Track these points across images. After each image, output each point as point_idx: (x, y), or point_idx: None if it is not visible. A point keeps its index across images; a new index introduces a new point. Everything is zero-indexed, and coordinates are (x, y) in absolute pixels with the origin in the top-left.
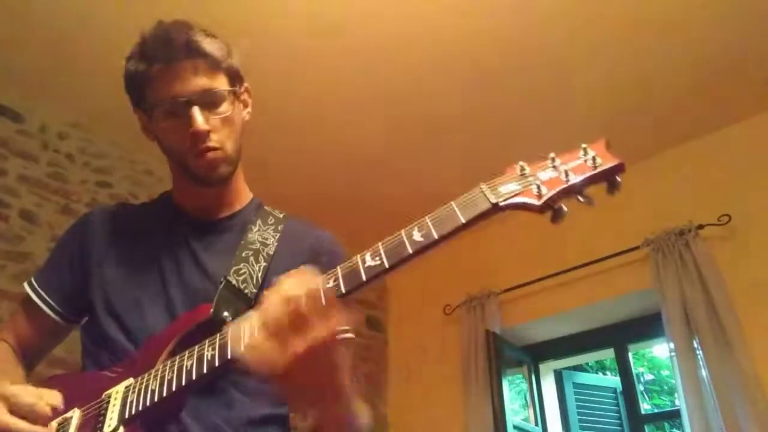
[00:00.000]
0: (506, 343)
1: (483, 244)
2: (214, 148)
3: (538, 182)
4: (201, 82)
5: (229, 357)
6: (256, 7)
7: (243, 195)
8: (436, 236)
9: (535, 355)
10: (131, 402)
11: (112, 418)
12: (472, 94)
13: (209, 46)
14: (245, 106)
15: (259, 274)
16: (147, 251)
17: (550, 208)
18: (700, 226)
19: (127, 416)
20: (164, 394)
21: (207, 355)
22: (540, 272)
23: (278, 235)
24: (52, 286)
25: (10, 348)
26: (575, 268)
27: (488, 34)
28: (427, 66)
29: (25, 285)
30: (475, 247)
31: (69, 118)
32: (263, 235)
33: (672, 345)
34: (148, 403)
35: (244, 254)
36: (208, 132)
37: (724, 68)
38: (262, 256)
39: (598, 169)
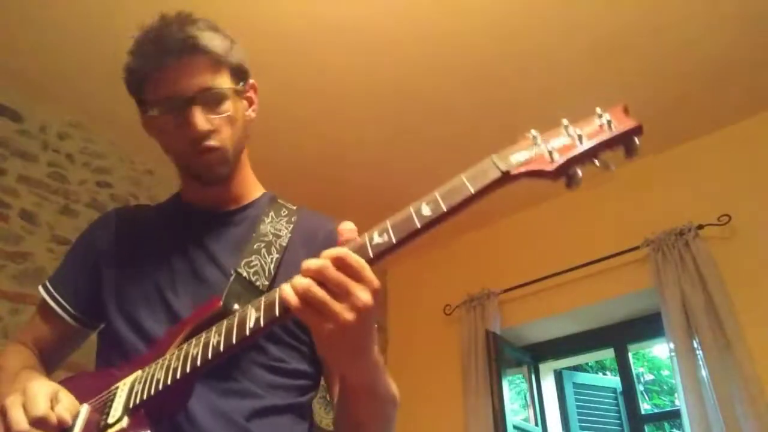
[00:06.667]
0: (506, 343)
1: (483, 244)
2: (214, 148)
3: (550, 149)
4: (201, 80)
5: (234, 342)
6: (254, 7)
7: (253, 188)
8: (445, 209)
9: (535, 355)
10: (136, 392)
11: (116, 408)
12: (470, 91)
13: (210, 41)
14: (250, 103)
15: (272, 266)
16: (157, 248)
17: (564, 174)
18: (700, 226)
19: (131, 406)
20: (169, 383)
21: (213, 342)
22: (540, 272)
23: (291, 226)
24: (67, 289)
25: (30, 352)
26: (575, 268)
27: (485, 33)
28: (425, 63)
29: (40, 288)
30: (475, 247)
31: (69, 118)
32: (276, 227)
33: (672, 345)
34: (152, 392)
35: (255, 246)
36: (209, 132)
37: (725, 68)
38: (275, 248)
39: (614, 133)
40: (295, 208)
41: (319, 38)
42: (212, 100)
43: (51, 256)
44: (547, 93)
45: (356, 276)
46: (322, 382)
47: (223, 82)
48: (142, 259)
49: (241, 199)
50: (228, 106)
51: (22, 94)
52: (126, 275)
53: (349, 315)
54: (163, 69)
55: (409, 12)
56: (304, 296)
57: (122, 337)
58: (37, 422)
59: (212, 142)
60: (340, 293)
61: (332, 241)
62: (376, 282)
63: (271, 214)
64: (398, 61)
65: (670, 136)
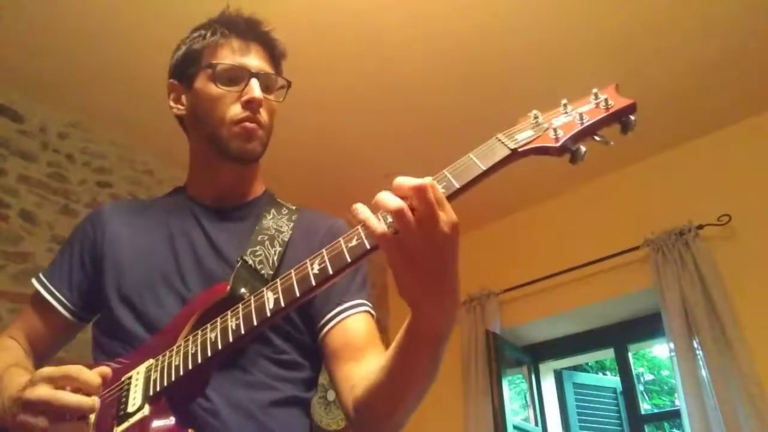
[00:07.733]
0: (506, 343)
1: (483, 244)
2: (259, 121)
3: (553, 127)
4: (266, 65)
5: (255, 323)
6: (251, 3)
7: (257, 186)
8: (457, 186)
9: (535, 355)
10: (154, 380)
11: (135, 397)
12: (466, 89)
13: (280, 44)
14: None
15: (275, 258)
16: (160, 237)
17: (568, 150)
18: (700, 226)
19: (151, 393)
20: (189, 368)
21: (231, 325)
22: (540, 272)
23: (292, 224)
24: (63, 282)
25: (20, 347)
26: (575, 268)
27: (483, 32)
28: (422, 62)
29: (34, 281)
30: (475, 247)
31: (69, 118)
32: (277, 223)
33: (672, 345)
34: (173, 378)
35: (259, 238)
36: (261, 104)
37: (725, 68)
38: (278, 241)
39: (611, 110)
40: (294, 207)
41: (314, 33)
42: (270, 86)
43: (51, 256)
44: (543, 92)
45: (440, 205)
46: (321, 381)
47: (279, 77)
48: (145, 248)
49: (245, 196)
50: (276, 97)
51: (22, 94)
52: (129, 264)
53: (429, 240)
54: (243, 44)
55: (405, 8)
56: (398, 213)
57: (125, 326)
58: (75, 384)
59: (260, 116)
60: (426, 217)
61: (335, 234)
62: (455, 217)
63: (273, 211)
64: (395, 57)
65: (669, 136)
